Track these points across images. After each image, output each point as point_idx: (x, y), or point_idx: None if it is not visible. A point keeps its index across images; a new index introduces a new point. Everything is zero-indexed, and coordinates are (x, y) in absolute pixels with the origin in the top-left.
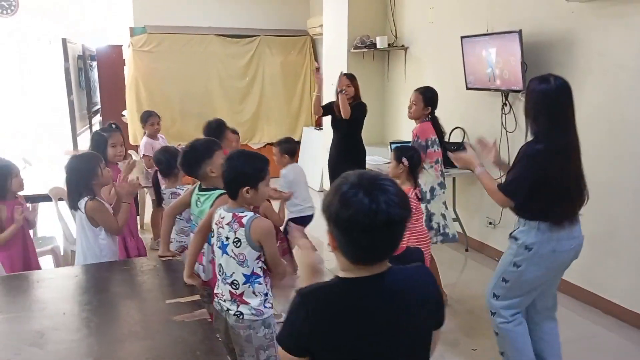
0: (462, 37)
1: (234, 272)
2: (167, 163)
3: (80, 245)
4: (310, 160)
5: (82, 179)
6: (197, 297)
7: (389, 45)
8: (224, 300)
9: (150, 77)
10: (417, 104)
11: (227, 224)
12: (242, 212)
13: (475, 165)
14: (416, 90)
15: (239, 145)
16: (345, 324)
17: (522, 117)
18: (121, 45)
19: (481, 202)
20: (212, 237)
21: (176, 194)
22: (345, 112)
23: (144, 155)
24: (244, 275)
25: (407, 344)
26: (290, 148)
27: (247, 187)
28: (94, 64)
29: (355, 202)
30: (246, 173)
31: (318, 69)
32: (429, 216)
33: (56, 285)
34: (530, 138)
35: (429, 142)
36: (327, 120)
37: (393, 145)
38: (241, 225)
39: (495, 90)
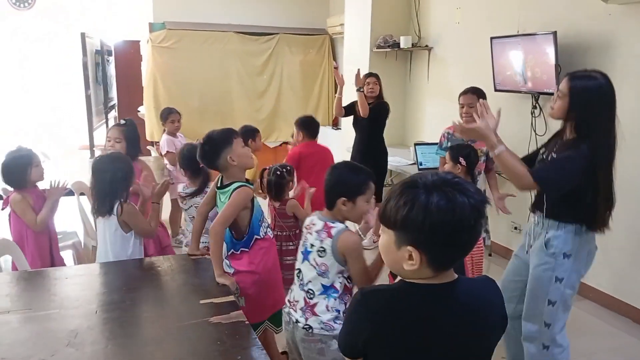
0: (492, 38)
1: (311, 281)
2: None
3: (105, 251)
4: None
5: (118, 181)
6: (231, 298)
7: (412, 45)
8: (295, 310)
9: (168, 74)
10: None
11: (317, 232)
12: (334, 223)
13: (493, 140)
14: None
15: (260, 144)
16: (408, 330)
17: (554, 121)
18: (139, 41)
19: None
20: (300, 239)
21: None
22: (364, 110)
23: (167, 152)
24: (323, 285)
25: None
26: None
27: (344, 199)
28: (111, 59)
29: (457, 206)
30: (346, 184)
31: (337, 68)
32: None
33: (85, 283)
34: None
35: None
36: (346, 120)
37: (418, 147)
38: (329, 235)
39: (526, 92)
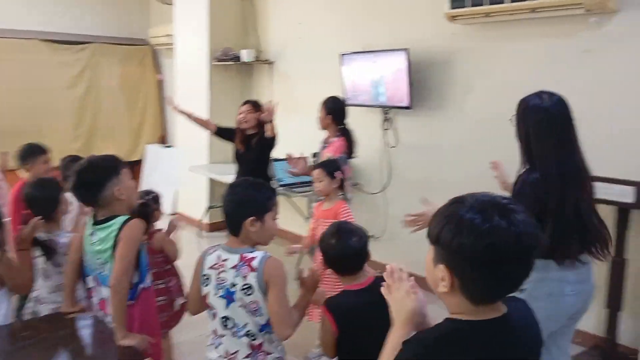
0: (342, 54)
1: (247, 323)
2: (45, 201)
3: None
4: (157, 179)
5: None
6: None
7: (254, 59)
8: None
9: None
10: (320, 112)
11: (233, 268)
12: (251, 252)
13: None
14: (323, 101)
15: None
16: None
17: (403, 133)
18: None
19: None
20: (204, 284)
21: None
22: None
23: None
24: (259, 324)
25: None
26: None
27: (253, 218)
28: None
29: (493, 229)
30: (252, 201)
31: (161, 82)
32: None
33: None
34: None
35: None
36: (181, 137)
37: (276, 163)
38: (252, 269)
39: (377, 106)
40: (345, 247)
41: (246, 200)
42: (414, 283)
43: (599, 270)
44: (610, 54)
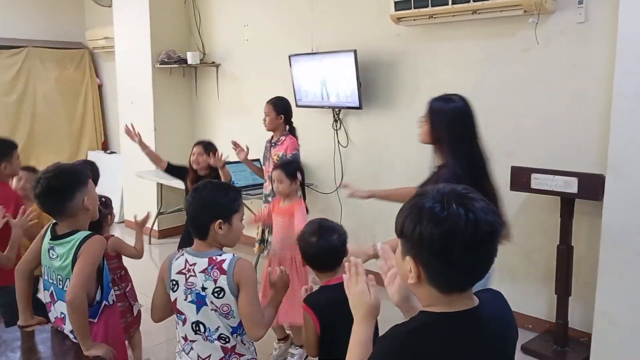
0: (290, 55)
1: (219, 326)
2: None
3: None
4: (100, 186)
5: None
6: None
7: (199, 61)
8: None
9: None
10: (269, 114)
11: (202, 271)
12: (220, 255)
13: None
14: (268, 101)
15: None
16: None
17: (354, 132)
18: None
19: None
20: (172, 289)
21: None
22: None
23: None
24: (231, 327)
25: None
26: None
27: (220, 221)
28: None
29: (450, 216)
30: (219, 203)
31: (101, 86)
32: None
33: None
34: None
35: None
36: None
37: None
38: (222, 272)
39: (328, 107)
40: (325, 245)
41: (213, 203)
42: (371, 276)
43: (547, 258)
44: (547, 52)
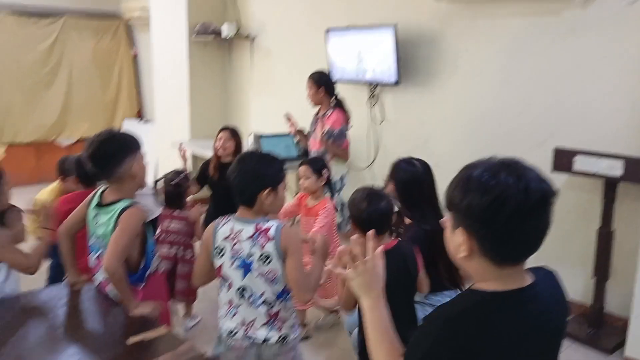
0: (327, 30)
1: (264, 292)
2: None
3: None
4: None
5: None
6: (163, 329)
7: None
8: (256, 329)
9: None
10: (310, 88)
11: (249, 238)
12: (266, 222)
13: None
14: (309, 76)
15: None
16: (505, 349)
17: (390, 109)
18: None
19: (346, 190)
20: (218, 256)
21: None
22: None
23: None
24: (276, 292)
25: None
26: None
27: (270, 189)
28: None
29: (499, 184)
30: (267, 173)
31: (136, 56)
32: (341, 206)
33: None
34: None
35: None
36: (160, 113)
37: (263, 139)
38: (269, 239)
39: (365, 83)
40: (375, 211)
41: (262, 173)
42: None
43: (585, 241)
44: (594, 32)
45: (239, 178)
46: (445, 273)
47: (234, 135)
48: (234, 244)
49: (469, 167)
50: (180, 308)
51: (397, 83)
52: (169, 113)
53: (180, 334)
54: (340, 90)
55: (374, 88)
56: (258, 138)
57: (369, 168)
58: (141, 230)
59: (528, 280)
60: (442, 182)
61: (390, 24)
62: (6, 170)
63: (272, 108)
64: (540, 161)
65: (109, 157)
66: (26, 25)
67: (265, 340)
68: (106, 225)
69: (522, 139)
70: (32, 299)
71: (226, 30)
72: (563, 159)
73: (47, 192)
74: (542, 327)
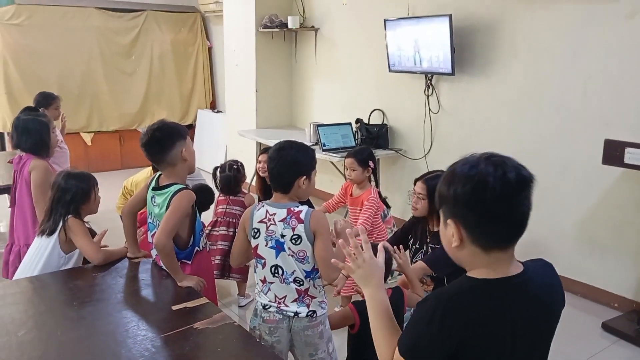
0: (385, 20)
1: (295, 270)
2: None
3: (30, 269)
4: (207, 143)
5: (73, 200)
6: (204, 299)
7: (299, 25)
8: (288, 305)
9: (21, 54)
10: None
11: (282, 220)
12: (297, 206)
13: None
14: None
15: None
16: (494, 333)
17: (445, 99)
18: None
19: (401, 180)
20: (254, 237)
21: None
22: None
23: None
24: (305, 271)
25: (540, 356)
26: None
27: (305, 176)
28: None
29: (479, 172)
30: (303, 162)
31: (210, 48)
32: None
33: (23, 301)
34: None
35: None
36: (230, 102)
37: (320, 128)
38: (300, 221)
39: (421, 72)
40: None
41: (298, 161)
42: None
43: (637, 237)
44: None
45: (277, 166)
46: None
47: None
48: (269, 226)
49: (453, 164)
50: (235, 287)
51: (452, 72)
52: (238, 103)
53: (233, 310)
54: (398, 80)
55: (431, 78)
56: (316, 127)
57: (423, 158)
58: (191, 212)
59: (518, 269)
60: None
61: (445, 14)
62: (93, 156)
63: (335, 98)
64: (596, 151)
65: (161, 142)
66: (111, 19)
67: (295, 314)
68: (160, 206)
69: (578, 127)
70: (102, 269)
71: (291, 22)
72: (614, 151)
73: (142, 175)
74: (530, 315)
